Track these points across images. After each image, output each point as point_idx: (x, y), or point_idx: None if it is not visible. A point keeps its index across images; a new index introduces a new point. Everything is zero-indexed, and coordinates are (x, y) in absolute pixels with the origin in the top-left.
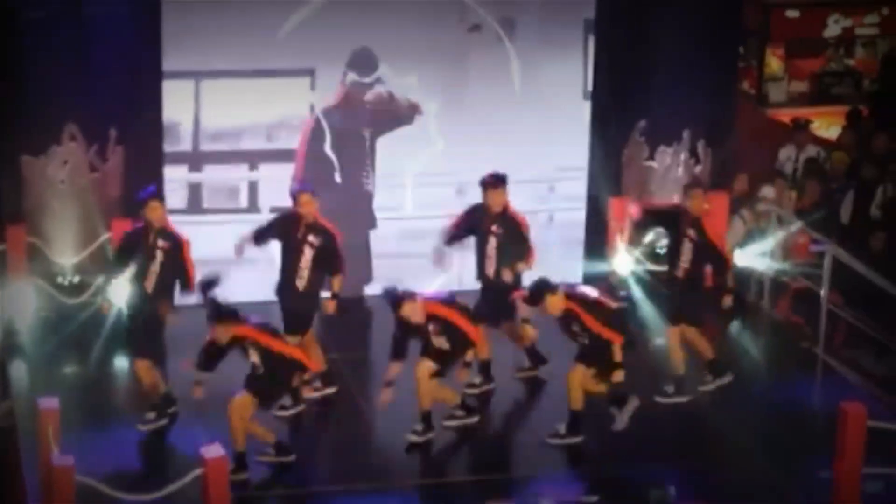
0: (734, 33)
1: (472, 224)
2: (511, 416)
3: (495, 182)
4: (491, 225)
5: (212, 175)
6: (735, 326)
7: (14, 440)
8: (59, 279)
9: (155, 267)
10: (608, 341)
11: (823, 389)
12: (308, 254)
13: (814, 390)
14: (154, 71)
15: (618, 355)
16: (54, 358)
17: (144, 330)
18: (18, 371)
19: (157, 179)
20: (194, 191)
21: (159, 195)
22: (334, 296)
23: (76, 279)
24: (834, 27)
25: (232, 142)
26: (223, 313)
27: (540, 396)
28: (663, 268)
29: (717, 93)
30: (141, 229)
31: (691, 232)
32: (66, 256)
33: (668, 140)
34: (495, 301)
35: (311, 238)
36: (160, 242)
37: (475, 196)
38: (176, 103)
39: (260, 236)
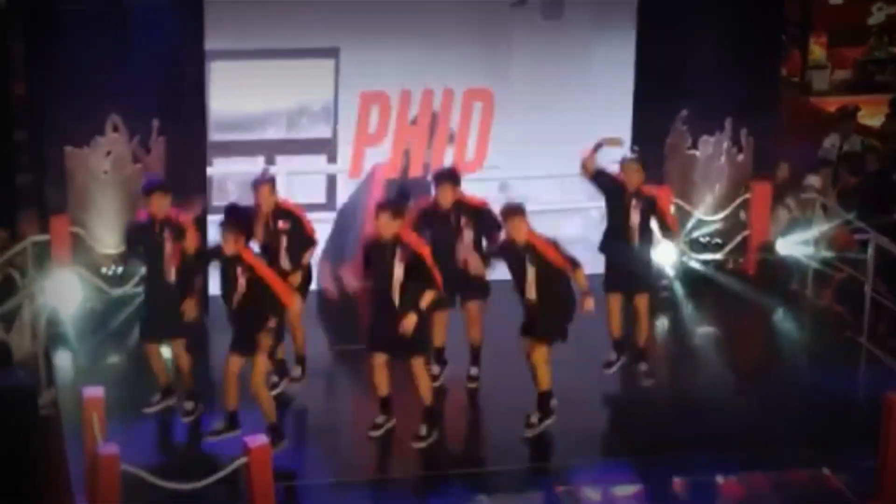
0: (777, 21)
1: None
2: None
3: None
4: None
5: None
6: (779, 315)
7: (58, 429)
8: (103, 269)
9: (168, 261)
10: (560, 286)
11: (867, 379)
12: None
13: (858, 380)
14: (197, 60)
15: (582, 280)
16: (98, 348)
17: (162, 316)
18: (63, 361)
19: (201, 170)
20: None
21: (164, 186)
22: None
23: (120, 269)
24: (878, 14)
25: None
26: (241, 224)
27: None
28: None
29: (760, 81)
30: (147, 222)
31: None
32: (110, 247)
33: (710, 129)
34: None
35: (280, 224)
36: (166, 233)
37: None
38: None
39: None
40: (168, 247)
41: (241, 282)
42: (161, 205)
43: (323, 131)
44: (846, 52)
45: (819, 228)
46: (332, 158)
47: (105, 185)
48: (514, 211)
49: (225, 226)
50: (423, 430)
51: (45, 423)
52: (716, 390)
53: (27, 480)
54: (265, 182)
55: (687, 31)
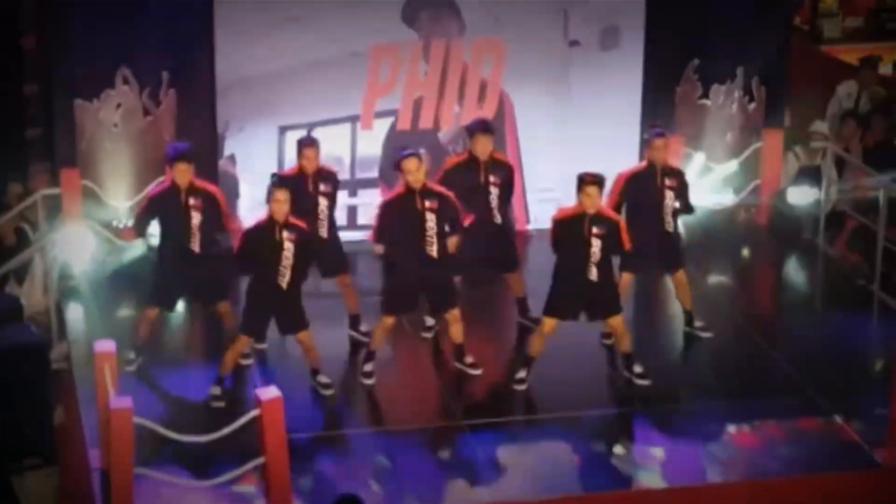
0: None
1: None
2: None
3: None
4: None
5: None
6: (791, 264)
7: (71, 383)
8: (114, 222)
9: (195, 226)
10: None
11: (880, 327)
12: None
13: (870, 328)
14: (205, 11)
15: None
16: (110, 301)
17: (193, 283)
18: (75, 314)
19: (211, 122)
20: None
21: (188, 155)
22: None
23: (131, 222)
24: None
25: None
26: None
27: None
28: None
29: (771, 30)
30: (168, 189)
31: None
32: (121, 200)
33: (721, 78)
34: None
35: (322, 187)
36: (192, 201)
37: None
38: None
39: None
40: (195, 216)
41: (288, 252)
42: (185, 174)
43: None
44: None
45: (829, 176)
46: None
47: (115, 138)
48: (588, 181)
49: (283, 186)
50: (523, 373)
51: (57, 377)
52: (728, 340)
53: (40, 435)
54: (313, 143)
55: None
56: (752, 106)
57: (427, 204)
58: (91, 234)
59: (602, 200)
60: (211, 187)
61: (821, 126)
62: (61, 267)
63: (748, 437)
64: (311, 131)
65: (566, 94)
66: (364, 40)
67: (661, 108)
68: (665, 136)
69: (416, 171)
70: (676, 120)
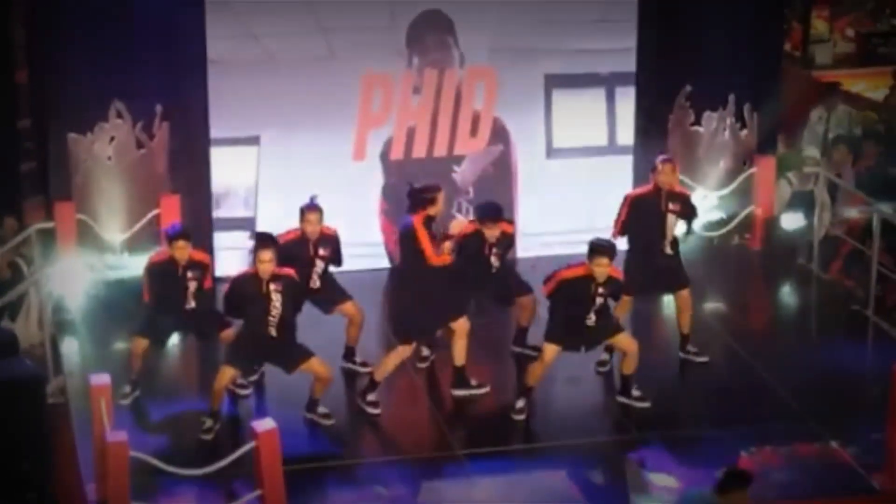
0: None
1: None
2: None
3: None
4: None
5: None
6: (786, 290)
7: (67, 417)
8: (109, 256)
9: (190, 296)
10: None
11: (875, 351)
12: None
13: (865, 353)
14: (199, 44)
15: None
16: (105, 335)
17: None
18: (69, 348)
19: (204, 156)
20: None
21: (186, 233)
22: None
23: (125, 255)
24: None
25: None
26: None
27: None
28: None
29: (763, 56)
30: (168, 263)
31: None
32: (115, 233)
33: (713, 105)
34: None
35: (321, 251)
36: (189, 274)
37: None
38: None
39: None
40: (192, 286)
41: (276, 302)
42: (185, 251)
43: None
44: (848, 24)
45: (822, 201)
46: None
47: (109, 172)
48: (599, 251)
49: (267, 247)
50: (522, 403)
51: (53, 412)
52: (723, 366)
53: (37, 469)
54: (316, 208)
55: (689, 6)
56: (745, 132)
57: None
58: (86, 268)
59: (608, 266)
60: (203, 257)
61: (812, 152)
62: (56, 301)
63: (745, 463)
64: (313, 199)
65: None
66: (356, 71)
67: (653, 135)
68: (673, 163)
69: (441, 204)
70: (669, 147)
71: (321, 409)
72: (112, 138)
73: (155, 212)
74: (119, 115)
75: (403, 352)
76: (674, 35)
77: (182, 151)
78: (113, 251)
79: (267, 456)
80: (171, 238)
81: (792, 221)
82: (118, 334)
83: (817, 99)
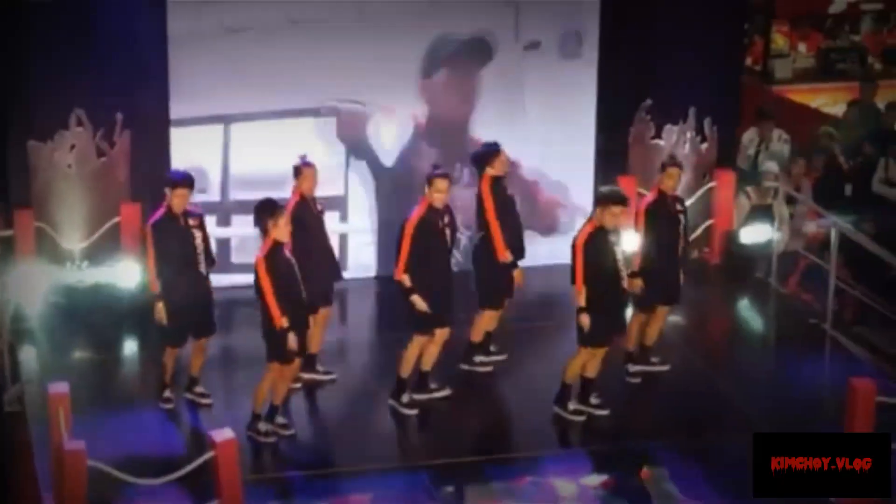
0: (740, 10)
1: None
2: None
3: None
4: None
5: None
6: (744, 304)
7: (24, 425)
8: (68, 264)
9: (199, 247)
10: None
11: (832, 365)
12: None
13: (822, 366)
14: (160, 53)
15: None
16: (63, 343)
17: (196, 314)
18: (28, 356)
19: (164, 163)
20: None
21: (190, 180)
22: None
23: (84, 264)
24: (839, 3)
25: None
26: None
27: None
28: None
29: (723, 70)
30: (166, 215)
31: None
32: (75, 241)
33: (674, 118)
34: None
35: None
36: (191, 221)
37: None
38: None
39: None
40: (198, 237)
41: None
42: (184, 199)
43: None
44: (808, 40)
45: (780, 215)
46: None
47: (69, 179)
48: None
49: (280, 213)
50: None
51: (10, 420)
52: (681, 379)
53: None
54: (311, 165)
55: (650, 20)
56: (705, 146)
57: (446, 220)
58: (44, 276)
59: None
60: (196, 209)
61: (771, 167)
62: (14, 309)
63: (698, 473)
64: (304, 157)
65: (521, 133)
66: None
67: (614, 149)
68: (680, 167)
69: (445, 192)
70: (630, 160)
71: (280, 420)
72: (72, 146)
73: (115, 220)
74: (80, 123)
75: (438, 338)
76: (634, 48)
77: (144, 160)
78: (72, 259)
79: (225, 466)
80: (176, 183)
81: (751, 235)
82: (77, 343)
83: (777, 113)
